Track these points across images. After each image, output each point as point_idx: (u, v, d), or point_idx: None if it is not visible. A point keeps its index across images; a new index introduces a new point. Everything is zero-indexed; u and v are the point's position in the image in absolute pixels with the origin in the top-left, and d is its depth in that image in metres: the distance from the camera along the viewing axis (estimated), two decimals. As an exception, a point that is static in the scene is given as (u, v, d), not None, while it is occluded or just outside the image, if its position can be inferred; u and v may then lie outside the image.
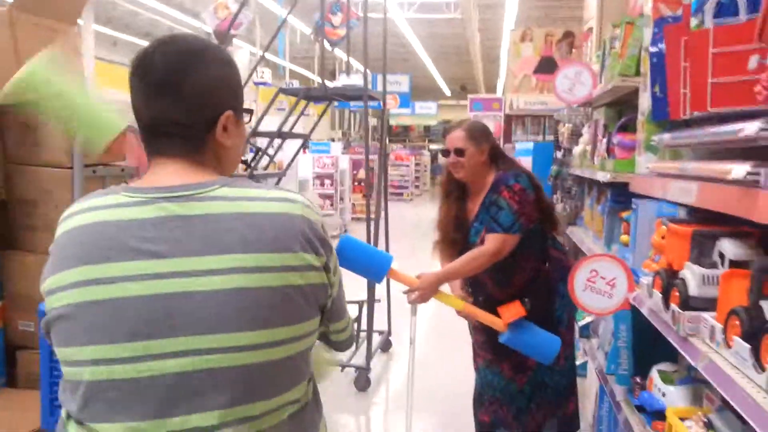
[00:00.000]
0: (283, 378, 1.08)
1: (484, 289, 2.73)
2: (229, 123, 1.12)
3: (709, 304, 1.64)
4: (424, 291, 2.50)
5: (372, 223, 4.03)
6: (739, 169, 1.42)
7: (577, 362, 3.78)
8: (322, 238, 1.13)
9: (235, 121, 1.14)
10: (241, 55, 12.53)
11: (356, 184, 13.88)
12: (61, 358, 1.06)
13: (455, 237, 2.70)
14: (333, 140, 15.06)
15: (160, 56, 1.08)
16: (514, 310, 2.42)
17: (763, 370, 1.28)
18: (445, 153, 2.70)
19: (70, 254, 1.05)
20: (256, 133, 3.96)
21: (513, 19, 13.82)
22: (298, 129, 4.96)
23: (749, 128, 1.43)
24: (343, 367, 4.08)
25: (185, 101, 1.07)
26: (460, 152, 2.62)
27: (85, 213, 1.08)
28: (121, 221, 1.03)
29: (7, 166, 2.66)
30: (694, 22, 2.00)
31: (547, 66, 10.17)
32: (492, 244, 2.55)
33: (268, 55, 15.71)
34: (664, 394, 2.14)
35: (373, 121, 25.14)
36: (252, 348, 1.02)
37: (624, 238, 2.57)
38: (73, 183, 2.57)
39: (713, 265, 1.68)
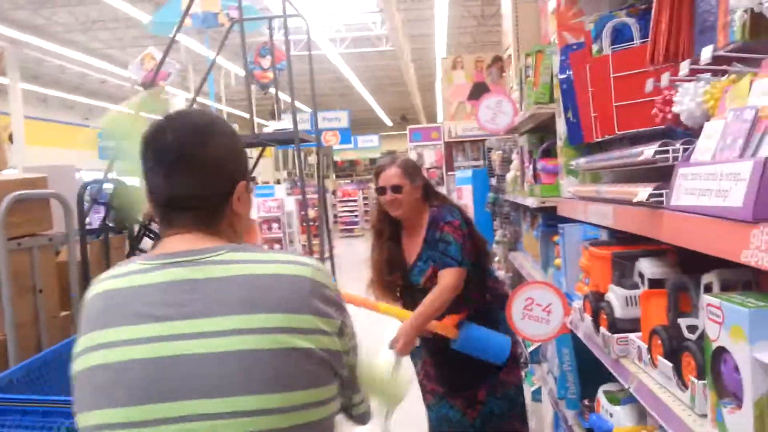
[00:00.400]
0: None
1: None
2: (242, 193, 1.15)
3: (635, 325, 1.68)
4: (407, 339, 2.51)
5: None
6: (643, 193, 1.48)
7: (533, 387, 3.82)
8: (335, 302, 1.12)
9: (246, 191, 1.17)
10: (177, 102, 12.43)
11: (304, 224, 13.79)
12: (78, 427, 1.04)
13: (390, 279, 2.71)
14: (279, 182, 14.98)
15: (172, 134, 1.10)
16: (456, 317, 2.57)
17: (686, 387, 1.32)
18: (381, 191, 2.65)
19: (84, 322, 1.08)
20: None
21: (444, 47, 14.17)
22: None
23: (647, 152, 1.50)
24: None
25: (203, 175, 1.10)
26: (397, 189, 2.61)
27: (104, 281, 1.10)
28: (131, 288, 1.05)
29: None
30: (595, 48, 2.09)
31: (479, 91, 10.39)
32: (451, 278, 2.56)
33: (205, 100, 15.64)
34: (611, 415, 2.16)
35: (314, 159, 25.10)
36: (261, 413, 0.99)
37: (557, 261, 2.63)
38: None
39: (635, 286, 1.73)
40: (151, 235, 3.60)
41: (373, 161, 28.11)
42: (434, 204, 2.70)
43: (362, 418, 1.31)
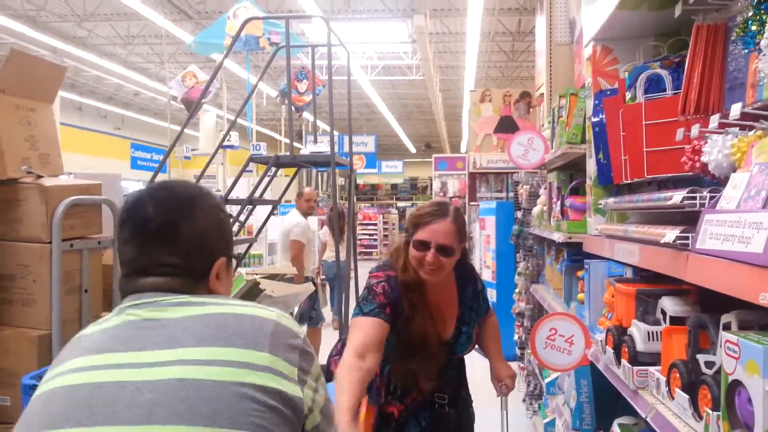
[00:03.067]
0: None
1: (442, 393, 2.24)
2: (221, 270, 1.12)
3: (655, 359, 1.77)
4: (513, 376, 2.30)
5: (342, 285, 4.10)
6: (671, 234, 1.59)
7: (545, 420, 3.87)
8: (300, 349, 1.06)
9: (227, 268, 1.14)
10: (208, 118, 12.72)
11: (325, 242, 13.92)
12: None
13: (440, 351, 2.15)
14: (300, 201, 15.22)
15: (153, 206, 1.07)
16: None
17: (701, 418, 1.41)
18: (422, 246, 2.02)
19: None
20: (227, 201, 4.08)
21: (472, 79, 14.38)
22: (267, 191, 5.08)
23: (676, 197, 1.61)
24: None
25: (180, 251, 1.07)
26: (447, 252, 2.02)
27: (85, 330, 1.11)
28: (94, 332, 1.05)
29: (-15, 242, 2.72)
30: (628, 95, 2.21)
31: (506, 125, 10.58)
32: (494, 315, 2.41)
33: (242, 120, 15.98)
34: (625, 447, 2.24)
35: (340, 180, 25.30)
36: None
37: (581, 296, 2.71)
38: (51, 257, 2.64)
39: (657, 322, 1.82)
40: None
41: (394, 186, 28.31)
42: (456, 267, 2.19)
43: None
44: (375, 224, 21.33)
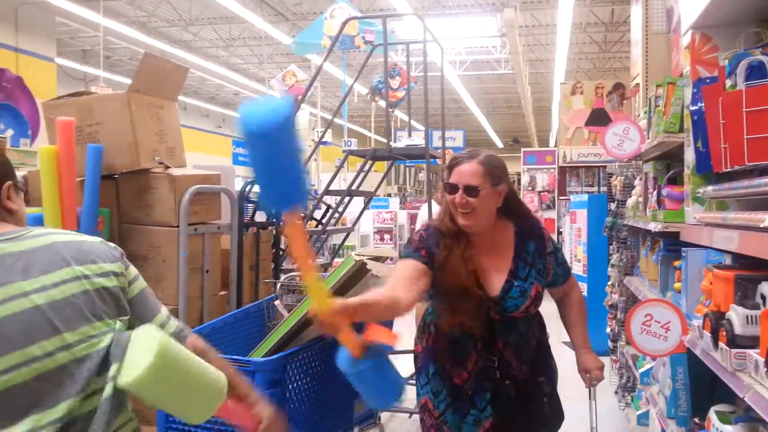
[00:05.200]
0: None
1: (501, 359, 2.10)
2: (9, 192, 1.40)
3: (753, 342, 1.81)
4: (601, 367, 2.22)
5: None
6: (770, 219, 1.63)
7: (639, 411, 3.86)
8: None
9: (16, 191, 1.44)
10: (302, 115, 13.19)
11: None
12: None
13: (479, 294, 2.03)
14: (390, 195, 15.50)
15: None
16: (384, 334, 1.67)
17: (800, 396, 1.46)
18: (451, 188, 2.03)
19: None
20: (328, 192, 4.31)
21: (563, 72, 14.13)
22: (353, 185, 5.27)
23: (776, 182, 1.65)
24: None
25: None
26: (472, 191, 2.00)
27: None
28: None
29: (122, 225, 3.06)
30: (728, 83, 2.21)
31: (598, 118, 10.36)
32: (579, 288, 2.30)
33: (327, 115, 16.42)
34: (722, 433, 2.25)
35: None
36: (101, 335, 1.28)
37: (677, 285, 2.72)
38: (178, 239, 2.93)
39: (756, 306, 1.85)
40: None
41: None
42: (516, 221, 2.15)
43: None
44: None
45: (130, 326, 1.37)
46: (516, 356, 2.09)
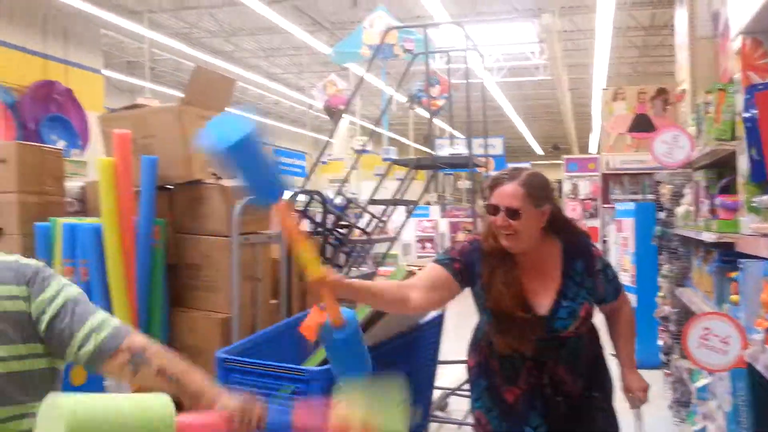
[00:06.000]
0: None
1: (551, 371, 2.08)
2: None
3: (820, 356, 1.76)
4: (645, 388, 2.17)
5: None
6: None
7: (695, 427, 3.77)
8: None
9: None
10: (341, 124, 13.31)
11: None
12: None
13: (525, 317, 2.00)
14: (429, 203, 15.51)
15: None
16: (334, 314, 1.71)
17: None
18: (492, 210, 2.00)
19: None
20: (373, 201, 4.35)
21: (603, 77, 13.94)
22: (390, 193, 5.27)
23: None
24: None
25: None
26: (513, 214, 1.96)
27: None
28: None
29: (176, 236, 3.14)
30: (783, 89, 2.16)
31: (641, 124, 10.19)
32: (630, 306, 2.25)
33: (365, 123, 16.52)
34: (785, 450, 2.19)
35: (467, 183, 25.21)
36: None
37: (734, 297, 2.65)
38: (230, 248, 3.00)
39: (822, 320, 1.81)
40: (336, 239, 4.07)
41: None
42: (563, 238, 2.11)
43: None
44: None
45: (49, 349, 1.41)
46: (569, 372, 2.07)
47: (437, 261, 2.09)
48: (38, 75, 9.14)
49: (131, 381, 1.45)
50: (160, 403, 1.23)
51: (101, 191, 2.81)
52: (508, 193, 1.97)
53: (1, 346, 1.33)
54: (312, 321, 1.74)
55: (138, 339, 1.45)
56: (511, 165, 2.27)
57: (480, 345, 2.17)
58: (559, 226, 2.10)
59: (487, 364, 2.14)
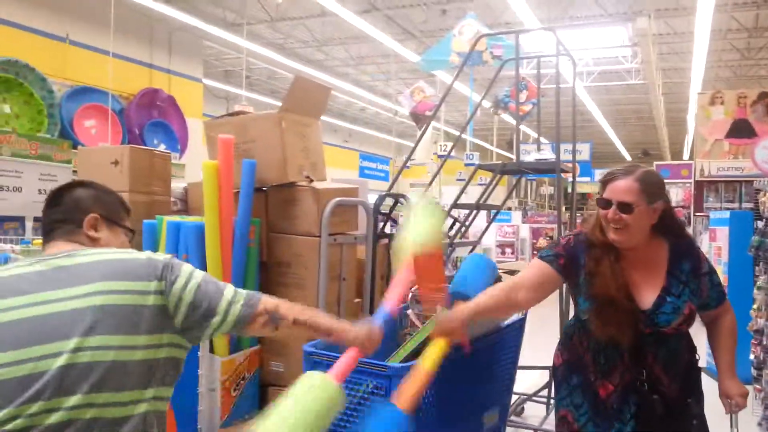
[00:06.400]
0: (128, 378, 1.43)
1: (650, 368, 2.07)
2: (94, 223, 1.65)
3: None
4: (744, 394, 2.12)
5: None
6: None
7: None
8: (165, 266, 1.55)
9: (106, 225, 1.67)
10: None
11: (535, 253, 14.02)
12: None
13: (632, 307, 2.01)
14: (510, 209, 15.36)
15: (56, 190, 1.71)
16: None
17: None
18: (604, 204, 2.03)
19: None
20: (456, 205, 4.41)
21: (699, 81, 13.34)
22: (471, 197, 5.29)
23: None
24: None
25: (60, 210, 1.65)
26: (626, 208, 1.99)
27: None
28: (12, 276, 1.50)
29: (269, 235, 3.33)
30: None
31: (741, 129, 9.71)
32: (733, 315, 2.19)
33: (449, 129, 16.56)
34: None
35: (549, 189, 24.69)
36: (107, 348, 1.40)
37: (835, 309, 2.55)
38: (319, 248, 3.15)
39: None
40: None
41: (607, 197, 26.98)
42: (671, 238, 2.11)
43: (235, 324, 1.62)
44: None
45: (183, 335, 1.56)
46: (666, 372, 2.05)
47: (542, 258, 2.14)
48: (144, 83, 9.81)
49: (273, 335, 1.72)
50: (314, 381, 1.65)
51: (204, 191, 3.02)
52: (622, 188, 2.00)
53: (131, 336, 1.47)
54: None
55: (269, 300, 1.66)
56: (604, 169, 2.31)
57: (573, 342, 2.19)
58: (668, 226, 2.09)
59: (579, 359, 2.15)
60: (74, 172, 3.46)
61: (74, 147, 5.36)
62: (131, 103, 9.24)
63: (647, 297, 2.03)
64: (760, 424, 4.31)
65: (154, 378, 1.49)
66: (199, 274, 1.61)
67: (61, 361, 1.38)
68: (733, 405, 2.11)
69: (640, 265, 2.06)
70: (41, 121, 7.54)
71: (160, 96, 9.68)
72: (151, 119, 9.43)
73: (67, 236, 1.62)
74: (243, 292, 1.66)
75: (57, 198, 1.68)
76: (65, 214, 1.65)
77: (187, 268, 1.60)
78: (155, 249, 3.19)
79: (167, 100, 9.78)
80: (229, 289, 1.63)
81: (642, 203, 1.99)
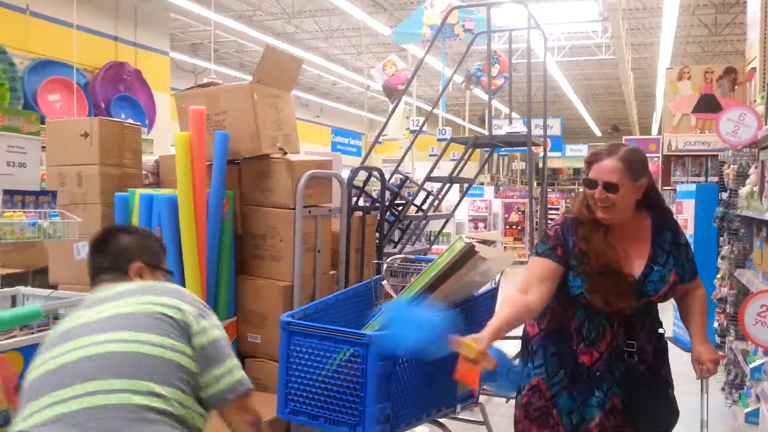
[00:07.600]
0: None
1: (639, 343, 2.18)
2: (139, 270, 1.82)
3: None
4: (716, 360, 2.19)
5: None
6: None
7: (747, 409, 3.73)
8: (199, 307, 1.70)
9: (150, 271, 1.84)
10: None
11: (507, 227, 14.16)
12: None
13: (623, 273, 2.10)
14: (483, 184, 15.47)
15: (104, 233, 1.89)
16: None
17: None
18: (590, 184, 2.10)
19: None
20: (429, 179, 4.43)
21: (668, 56, 13.50)
22: (444, 173, 5.31)
23: None
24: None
25: (108, 257, 1.83)
26: (612, 188, 2.05)
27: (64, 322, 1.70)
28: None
29: (243, 207, 3.30)
30: None
31: (707, 104, 9.85)
32: (704, 288, 2.28)
33: (421, 104, 16.51)
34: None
35: (521, 165, 24.89)
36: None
37: (795, 275, 2.65)
38: (294, 220, 3.14)
39: None
40: (392, 215, 4.18)
41: (577, 171, 27.38)
42: (654, 212, 2.20)
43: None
44: (557, 209, 20.89)
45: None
46: (649, 342, 2.15)
47: (540, 254, 2.17)
48: (109, 57, 9.56)
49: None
50: None
51: (177, 163, 2.98)
52: (607, 168, 2.06)
53: (151, 335, 1.55)
54: (467, 370, 1.94)
55: (241, 404, 1.66)
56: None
57: (553, 311, 2.23)
58: (651, 200, 2.17)
59: (560, 328, 2.21)
60: (43, 148, 3.39)
61: (42, 122, 5.21)
62: (96, 77, 9.01)
63: (635, 266, 2.12)
64: (722, 389, 4.47)
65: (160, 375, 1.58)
66: (220, 332, 1.70)
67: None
68: (704, 370, 2.18)
69: (628, 238, 2.15)
70: (2, 94, 7.31)
71: (126, 69, 9.46)
72: (117, 93, 9.21)
73: (114, 281, 1.77)
74: (238, 376, 1.70)
75: (102, 245, 1.84)
76: (112, 261, 1.81)
77: (215, 319, 1.72)
78: (128, 222, 3.14)
79: (133, 73, 9.56)
80: (227, 363, 1.67)
81: (627, 182, 2.05)
